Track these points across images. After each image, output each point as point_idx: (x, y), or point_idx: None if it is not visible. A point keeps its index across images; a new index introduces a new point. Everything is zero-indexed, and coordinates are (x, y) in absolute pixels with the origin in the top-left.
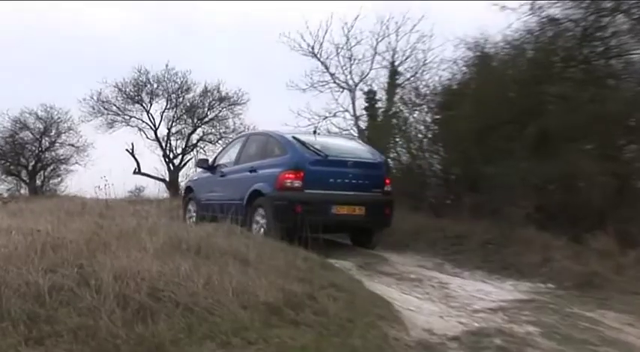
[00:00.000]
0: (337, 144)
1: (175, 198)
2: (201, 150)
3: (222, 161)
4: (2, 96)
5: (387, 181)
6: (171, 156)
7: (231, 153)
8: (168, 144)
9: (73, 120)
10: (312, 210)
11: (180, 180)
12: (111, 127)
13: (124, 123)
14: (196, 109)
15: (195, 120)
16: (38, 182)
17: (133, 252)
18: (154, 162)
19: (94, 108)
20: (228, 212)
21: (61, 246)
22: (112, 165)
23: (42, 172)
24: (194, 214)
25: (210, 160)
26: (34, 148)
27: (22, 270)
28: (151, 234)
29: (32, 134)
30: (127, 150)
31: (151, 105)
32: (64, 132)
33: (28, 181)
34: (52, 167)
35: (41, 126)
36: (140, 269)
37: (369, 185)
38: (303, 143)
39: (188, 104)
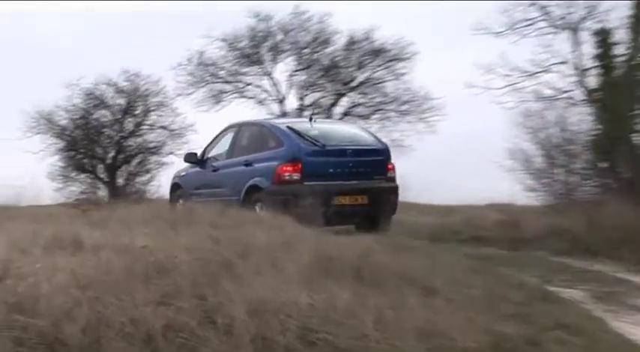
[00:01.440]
0: (335, 131)
1: None
2: None
3: (212, 154)
4: (71, 61)
5: (390, 167)
6: None
7: (223, 145)
8: None
9: (167, 92)
10: (313, 202)
11: None
12: (218, 101)
13: (236, 94)
14: (339, 70)
15: (339, 86)
16: (120, 180)
17: (269, 277)
18: None
19: (193, 76)
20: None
21: (170, 269)
22: None
23: (125, 167)
24: None
25: (199, 153)
26: (113, 133)
27: (125, 303)
28: (288, 250)
29: (111, 113)
30: None
31: (274, 66)
32: (154, 110)
33: (107, 180)
34: (138, 159)
35: (123, 103)
36: (283, 302)
37: (371, 172)
38: (298, 133)
39: (327, 63)
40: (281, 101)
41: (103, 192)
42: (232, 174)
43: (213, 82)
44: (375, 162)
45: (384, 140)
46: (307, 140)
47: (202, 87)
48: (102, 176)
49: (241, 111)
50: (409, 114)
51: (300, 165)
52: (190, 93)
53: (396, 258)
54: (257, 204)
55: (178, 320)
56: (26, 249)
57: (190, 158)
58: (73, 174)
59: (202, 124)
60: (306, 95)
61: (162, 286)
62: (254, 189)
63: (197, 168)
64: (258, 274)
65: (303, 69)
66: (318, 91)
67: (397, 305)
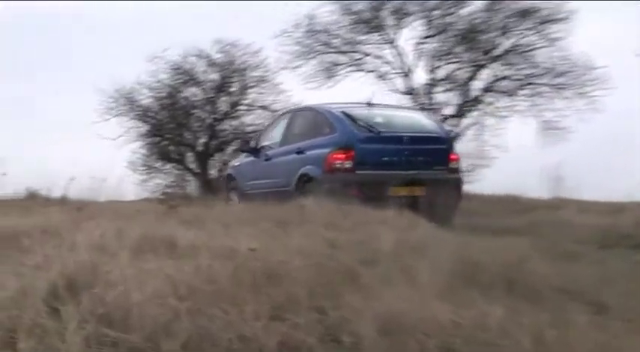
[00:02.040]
0: (394, 117)
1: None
2: (492, 111)
3: (266, 142)
4: (154, 30)
5: (453, 157)
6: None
7: (276, 133)
8: (431, 100)
9: (268, 66)
10: (366, 192)
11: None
12: (331, 76)
13: (352, 67)
14: (479, 36)
15: (478, 55)
16: (213, 171)
17: (401, 288)
18: None
19: (301, 45)
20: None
21: (282, 277)
22: None
23: (218, 155)
24: None
25: (253, 142)
26: (205, 115)
27: (232, 316)
28: (422, 256)
29: (202, 91)
30: None
31: (398, 33)
32: (253, 87)
33: (197, 171)
34: (234, 146)
35: (216, 78)
36: (421, 318)
37: (431, 162)
38: (353, 118)
39: (464, 27)
40: (406, 75)
41: (192, 185)
42: (284, 162)
43: (324, 53)
44: (436, 151)
45: (448, 128)
46: (362, 126)
47: (312, 58)
48: (191, 166)
49: (358, 87)
50: (566, 88)
51: (352, 153)
52: (297, 67)
53: (556, 266)
54: (308, 194)
55: (295, 338)
56: (112, 251)
57: (244, 147)
58: (157, 164)
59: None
60: (437, 67)
61: (274, 297)
62: (305, 178)
63: (251, 158)
64: (388, 284)
65: (433, 35)
66: (453, 62)
67: (560, 324)
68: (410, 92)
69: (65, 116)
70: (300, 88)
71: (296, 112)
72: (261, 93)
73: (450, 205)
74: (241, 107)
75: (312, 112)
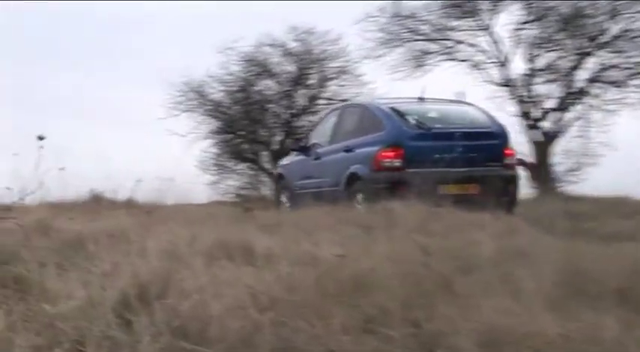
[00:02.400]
0: (446, 112)
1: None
2: (598, 104)
3: (316, 140)
4: (225, 19)
5: (509, 152)
6: (536, 116)
7: (326, 130)
8: (530, 92)
9: (350, 55)
10: (416, 192)
11: (549, 158)
12: (419, 65)
13: (443, 56)
14: (584, 20)
15: (583, 42)
16: None
17: (502, 299)
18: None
19: (386, 32)
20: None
21: (371, 286)
22: None
23: None
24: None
25: (304, 139)
26: (281, 110)
27: (318, 329)
28: (525, 264)
29: (278, 84)
30: None
31: (494, 18)
32: (333, 79)
33: (273, 171)
34: None
35: (293, 70)
36: (526, 332)
37: (485, 158)
38: (402, 114)
39: (567, 11)
40: (503, 64)
41: (267, 187)
42: (333, 161)
43: (412, 40)
44: (490, 146)
45: (502, 122)
46: (412, 122)
47: (398, 47)
48: (266, 166)
49: (450, 77)
50: None
51: (401, 151)
52: (382, 56)
53: None
54: (357, 194)
55: None
56: (185, 258)
57: (294, 145)
58: (229, 164)
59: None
60: (537, 56)
61: (364, 308)
62: (354, 177)
63: (301, 156)
64: (487, 294)
65: (533, 20)
66: (554, 50)
67: None
68: (506, 83)
69: (130, 112)
70: (384, 80)
71: (345, 109)
72: (342, 85)
73: (506, 202)
74: (320, 101)
75: (360, 108)
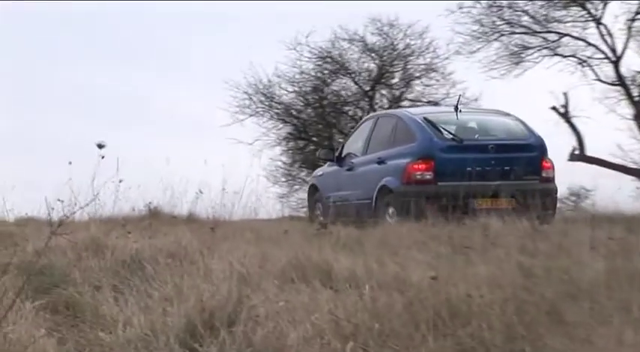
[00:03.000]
0: (481, 123)
1: None
2: None
3: (350, 150)
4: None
5: (546, 165)
6: None
7: (360, 140)
8: None
9: (438, 50)
10: (448, 206)
11: None
12: (518, 61)
13: (545, 51)
14: None
15: None
16: None
17: (616, 327)
18: (610, 134)
19: (480, 24)
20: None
21: (469, 314)
22: None
23: None
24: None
25: (338, 149)
26: (360, 113)
27: None
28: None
29: (356, 84)
30: (553, 108)
31: (604, 8)
32: (419, 78)
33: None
34: None
35: (373, 67)
36: None
37: (521, 171)
38: (435, 125)
39: None
40: (615, 60)
41: None
42: (365, 173)
43: (510, 34)
44: (526, 159)
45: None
46: (444, 134)
47: (494, 41)
48: None
49: (554, 75)
50: None
51: (433, 163)
52: (475, 51)
53: None
54: (388, 208)
55: None
56: (256, 280)
57: (326, 155)
58: (302, 174)
59: (495, 97)
60: None
61: (460, 338)
62: (385, 190)
63: (335, 167)
64: (599, 323)
65: None
66: None
67: None
68: (619, 82)
69: (189, 117)
70: (477, 79)
71: (379, 118)
72: (429, 85)
73: (544, 217)
74: (405, 102)
75: (393, 118)
